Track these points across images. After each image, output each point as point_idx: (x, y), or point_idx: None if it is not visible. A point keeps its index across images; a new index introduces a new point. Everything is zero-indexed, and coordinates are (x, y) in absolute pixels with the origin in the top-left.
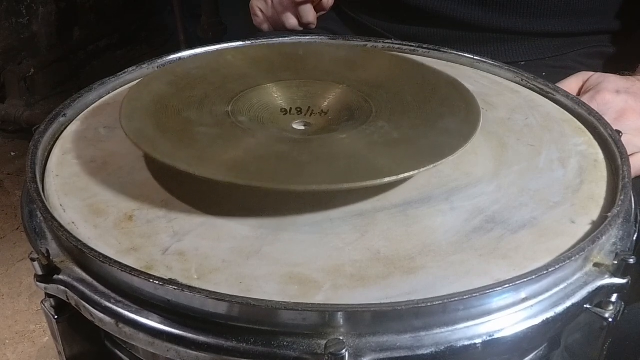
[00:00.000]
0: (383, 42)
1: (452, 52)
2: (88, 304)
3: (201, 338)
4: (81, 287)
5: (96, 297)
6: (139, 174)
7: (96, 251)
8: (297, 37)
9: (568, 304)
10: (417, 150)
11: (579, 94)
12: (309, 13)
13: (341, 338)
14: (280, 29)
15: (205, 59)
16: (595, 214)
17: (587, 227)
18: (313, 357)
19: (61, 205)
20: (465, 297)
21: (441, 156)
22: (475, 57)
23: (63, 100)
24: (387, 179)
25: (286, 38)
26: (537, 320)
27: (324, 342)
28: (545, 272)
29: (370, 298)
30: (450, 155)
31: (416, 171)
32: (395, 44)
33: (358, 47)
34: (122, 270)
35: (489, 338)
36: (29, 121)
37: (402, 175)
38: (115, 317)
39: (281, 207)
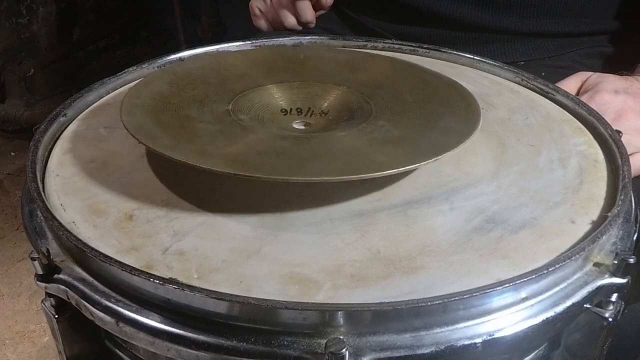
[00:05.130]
0: (383, 42)
1: (452, 52)
2: (88, 303)
3: (201, 337)
4: (81, 287)
5: (96, 297)
6: (139, 174)
7: (96, 250)
8: (297, 37)
9: (568, 303)
10: (417, 148)
11: (577, 94)
12: (307, 11)
13: (341, 337)
14: (279, 29)
15: (205, 59)
16: (595, 214)
17: (587, 227)
18: (313, 357)
19: (61, 205)
20: (465, 297)
21: (442, 152)
22: (475, 57)
23: (63, 100)
24: (387, 172)
25: (286, 38)
26: (537, 320)
27: (324, 341)
28: (545, 272)
29: (370, 298)
30: (451, 150)
31: (417, 165)
32: (395, 44)
33: (358, 51)
34: (122, 270)
35: (489, 337)
36: (29, 121)
37: (402, 169)
38: (116, 316)
39: (281, 206)
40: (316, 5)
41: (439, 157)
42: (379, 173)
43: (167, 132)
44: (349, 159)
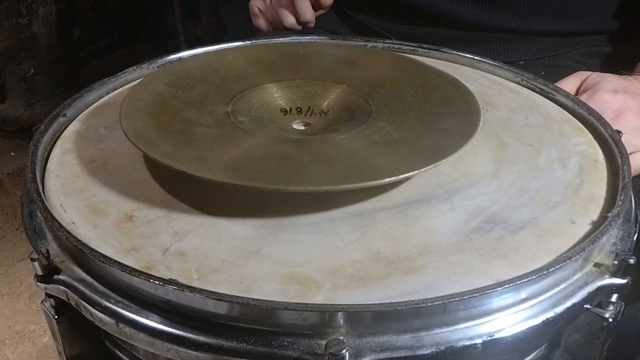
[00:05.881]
0: (383, 42)
1: (452, 52)
2: (88, 304)
3: (201, 338)
4: (81, 287)
5: (96, 297)
6: (139, 174)
7: (96, 251)
8: (296, 37)
9: (568, 304)
10: (417, 151)
11: (576, 93)
12: (306, 11)
13: (341, 338)
14: (279, 28)
15: (205, 59)
16: (595, 214)
17: (587, 227)
18: (313, 357)
19: (61, 205)
20: (465, 297)
21: (441, 156)
22: (475, 57)
23: (63, 100)
24: (386, 180)
25: (286, 38)
26: (537, 320)
27: (324, 342)
28: (545, 272)
29: (370, 298)
30: (449, 156)
31: (416, 171)
32: (395, 44)
33: (358, 47)
34: (122, 270)
35: (489, 338)
36: (29, 121)
37: (401, 176)
38: (115, 317)
39: (281, 207)
40: (315, 5)
41: (438, 163)
42: (378, 181)
43: (167, 136)
44: (348, 164)
